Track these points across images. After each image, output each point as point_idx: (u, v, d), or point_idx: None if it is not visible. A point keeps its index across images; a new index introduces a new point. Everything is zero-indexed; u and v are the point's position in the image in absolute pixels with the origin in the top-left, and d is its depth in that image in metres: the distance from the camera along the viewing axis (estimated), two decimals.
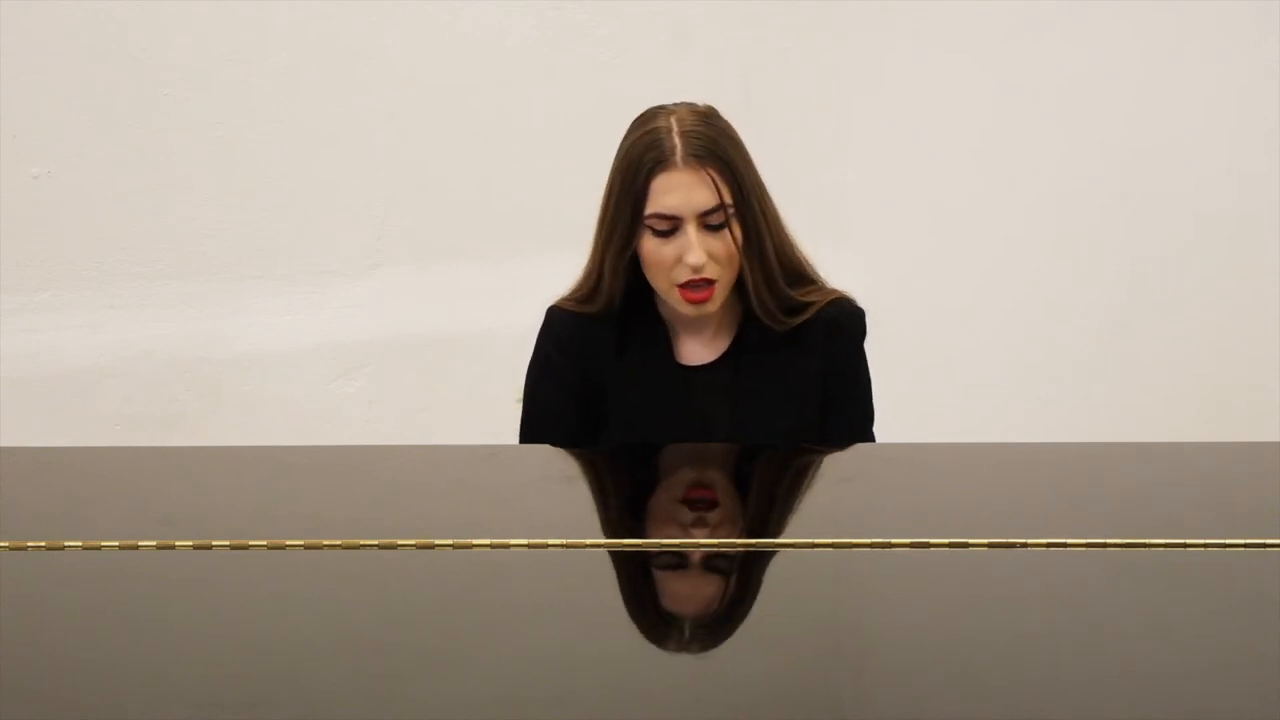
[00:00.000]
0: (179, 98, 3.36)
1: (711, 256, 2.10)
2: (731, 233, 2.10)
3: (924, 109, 3.79)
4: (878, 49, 3.78)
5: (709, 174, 2.09)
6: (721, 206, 2.09)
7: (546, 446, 2.24)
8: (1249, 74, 3.68)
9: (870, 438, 2.25)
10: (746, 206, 2.12)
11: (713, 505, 1.98)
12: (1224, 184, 3.73)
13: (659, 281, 2.14)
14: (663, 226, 2.10)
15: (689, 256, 2.09)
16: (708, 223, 2.10)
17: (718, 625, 1.49)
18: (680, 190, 2.09)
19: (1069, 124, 3.76)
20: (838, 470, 2.16)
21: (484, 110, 3.58)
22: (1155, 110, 3.73)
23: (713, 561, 1.63)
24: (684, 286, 2.12)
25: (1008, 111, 3.78)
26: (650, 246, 2.12)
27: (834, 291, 2.23)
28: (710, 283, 2.11)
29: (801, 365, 2.20)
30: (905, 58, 3.78)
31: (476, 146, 3.58)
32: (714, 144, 2.11)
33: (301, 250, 3.49)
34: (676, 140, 2.10)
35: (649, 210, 2.10)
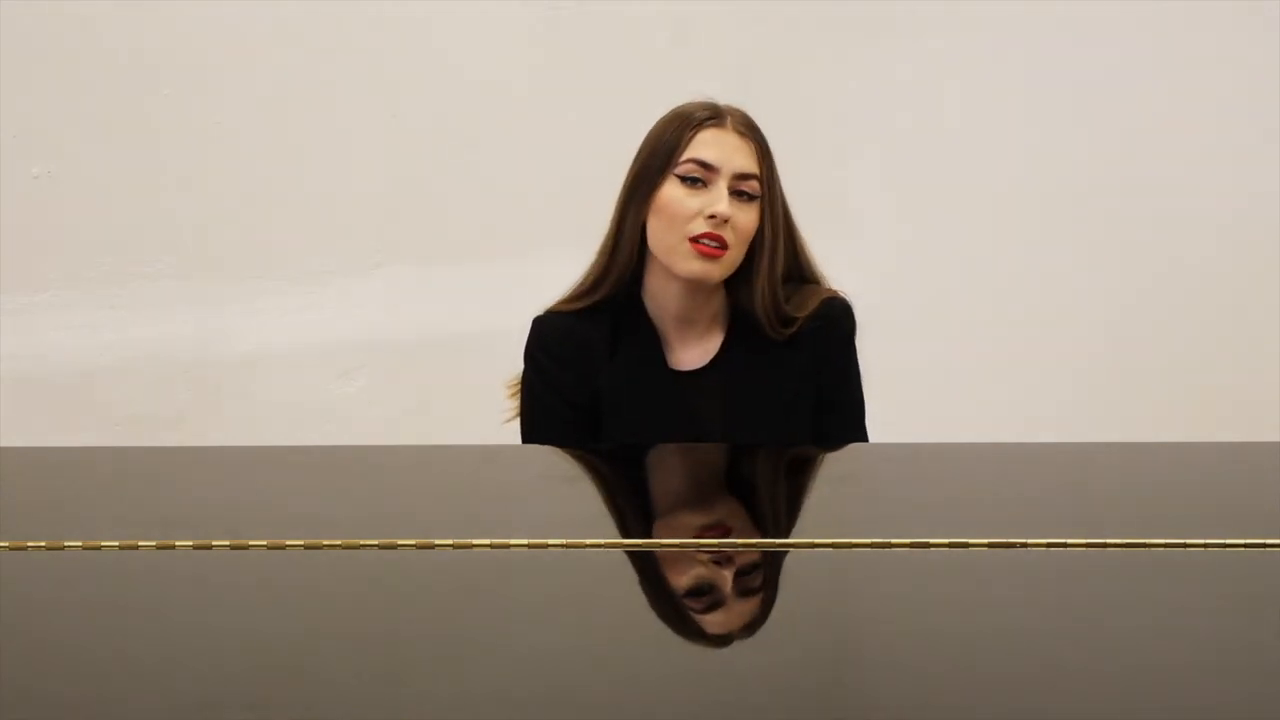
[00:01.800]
0: (179, 98, 3.36)
1: (731, 223, 2.11)
2: (767, 205, 2.13)
3: (924, 109, 3.79)
4: (878, 49, 3.77)
5: (754, 145, 2.14)
6: (758, 178, 2.12)
7: (547, 447, 2.23)
8: (1255, 72, 3.68)
9: (863, 433, 2.25)
10: (772, 200, 2.15)
11: (712, 507, 1.98)
12: (1226, 184, 3.73)
13: (670, 236, 2.13)
14: (696, 174, 2.11)
15: (716, 205, 2.10)
16: (739, 188, 2.12)
17: (718, 625, 1.49)
18: (725, 146, 2.13)
19: (1070, 124, 3.76)
20: (838, 470, 2.16)
21: (484, 110, 3.58)
22: (1158, 110, 3.73)
23: (713, 561, 1.63)
24: (696, 240, 2.12)
25: (1008, 112, 3.77)
26: (674, 195, 2.12)
27: (824, 290, 2.23)
28: (724, 247, 2.11)
29: (793, 364, 2.20)
30: (905, 58, 3.78)
31: (476, 146, 3.58)
32: (761, 136, 2.17)
33: (301, 250, 3.49)
34: (727, 113, 2.16)
35: (687, 155, 2.12)
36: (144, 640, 1.44)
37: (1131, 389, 3.79)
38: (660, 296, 2.20)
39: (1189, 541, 1.61)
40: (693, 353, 2.22)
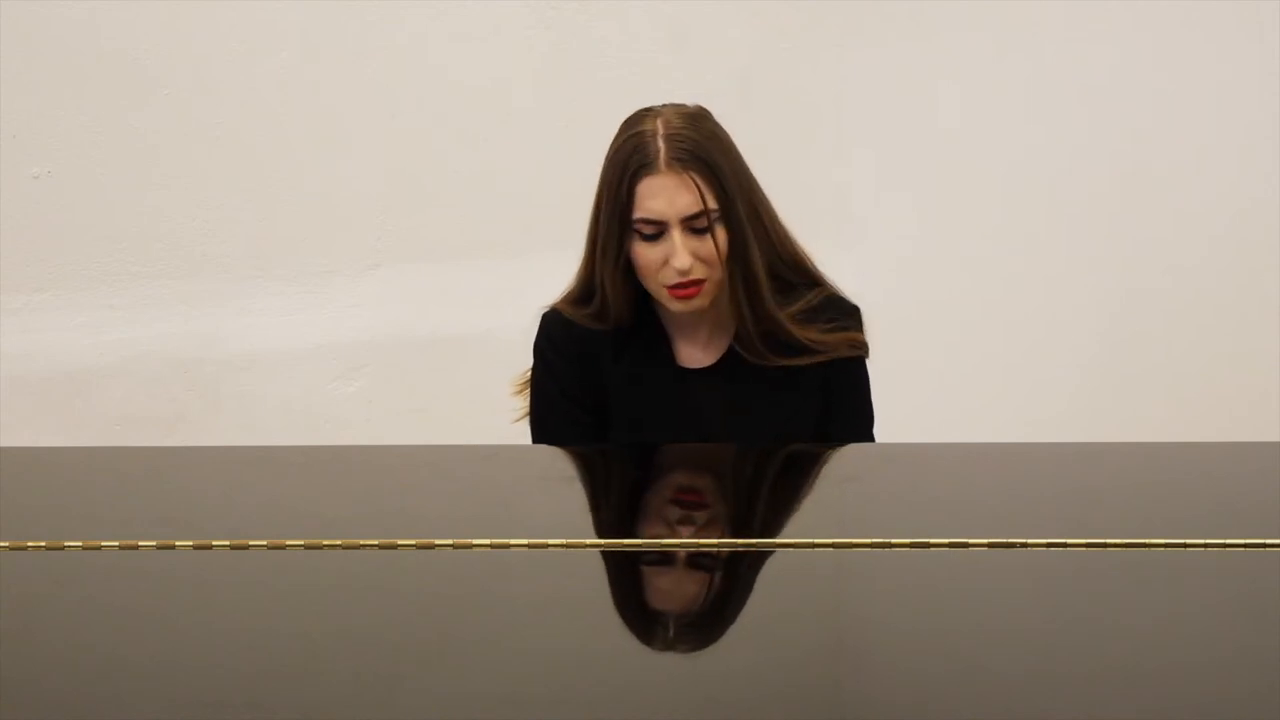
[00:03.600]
0: (179, 98, 3.36)
1: (697, 258, 2.10)
2: (714, 237, 2.10)
3: (924, 109, 3.79)
4: (877, 49, 3.78)
5: (692, 178, 2.07)
6: (705, 211, 2.08)
7: (546, 446, 2.24)
8: (1255, 73, 3.68)
9: (870, 440, 2.25)
10: (732, 210, 2.10)
11: (712, 506, 1.98)
12: (1226, 184, 3.73)
13: (650, 284, 2.14)
14: (649, 231, 2.10)
15: (675, 260, 2.08)
16: (693, 226, 2.09)
17: (718, 625, 1.49)
18: (664, 194, 2.08)
19: (1070, 124, 3.76)
20: (838, 470, 2.16)
21: (484, 110, 3.58)
22: (1159, 111, 3.73)
23: (713, 561, 1.63)
24: (672, 287, 2.12)
25: (1008, 111, 3.78)
26: (639, 250, 2.12)
27: (842, 328, 2.21)
28: (699, 282, 2.11)
29: (799, 368, 2.19)
30: (905, 58, 3.78)
31: (476, 146, 3.58)
32: (699, 147, 2.09)
33: (301, 250, 3.49)
34: (660, 144, 2.08)
35: (635, 215, 2.09)
36: (144, 640, 1.44)
37: (1131, 389, 3.79)
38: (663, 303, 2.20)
39: (1189, 541, 1.61)
40: (701, 351, 2.22)
